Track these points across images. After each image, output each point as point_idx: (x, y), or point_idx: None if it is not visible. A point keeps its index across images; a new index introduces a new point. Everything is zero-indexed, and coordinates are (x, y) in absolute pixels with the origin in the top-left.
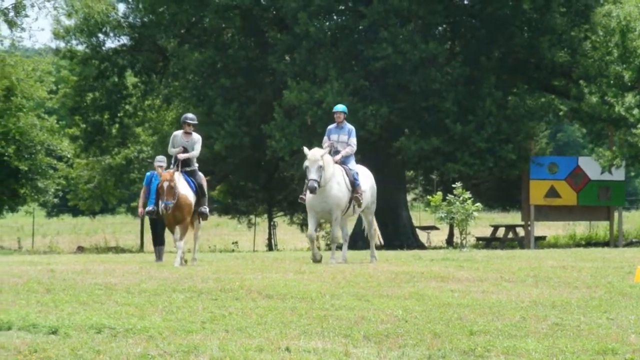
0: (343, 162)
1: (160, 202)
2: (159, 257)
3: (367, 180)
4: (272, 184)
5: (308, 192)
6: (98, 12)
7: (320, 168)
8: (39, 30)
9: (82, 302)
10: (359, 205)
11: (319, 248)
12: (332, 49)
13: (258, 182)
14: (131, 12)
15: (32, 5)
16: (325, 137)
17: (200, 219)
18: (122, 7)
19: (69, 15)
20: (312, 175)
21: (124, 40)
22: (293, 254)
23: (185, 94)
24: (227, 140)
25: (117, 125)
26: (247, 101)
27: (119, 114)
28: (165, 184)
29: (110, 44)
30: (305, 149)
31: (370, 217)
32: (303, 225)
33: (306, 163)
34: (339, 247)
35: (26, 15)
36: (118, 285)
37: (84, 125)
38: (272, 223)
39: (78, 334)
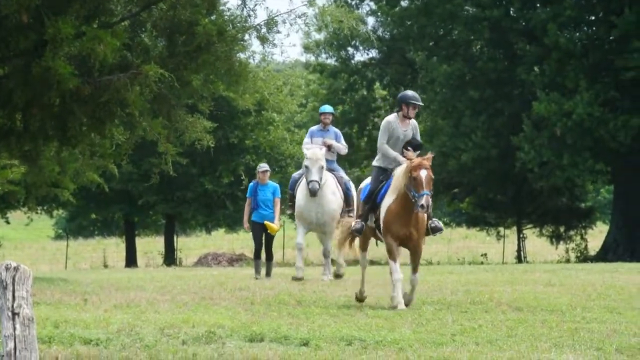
0: (333, 170)
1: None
2: (259, 271)
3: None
4: (521, 196)
5: (306, 195)
6: (348, 27)
7: (322, 169)
8: (291, 46)
9: (332, 315)
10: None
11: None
12: (582, 60)
13: (506, 194)
14: (380, 25)
15: (284, 22)
16: (307, 139)
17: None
18: (371, 21)
19: (319, 30)
20: (314, 175)
21: (373, 53)
22: (543, 266)
23: (433, 106)
24: (475, 151)
25: (365, 138)
26: (495, 113)
27: (367, 127)
28: (424, 173)
29: (359, 57)
30: (305, 148)
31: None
32: (553, 237)
33: (306, 162)
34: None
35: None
36: (368, 298)
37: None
38: (521, 235)
39: (329, 346)
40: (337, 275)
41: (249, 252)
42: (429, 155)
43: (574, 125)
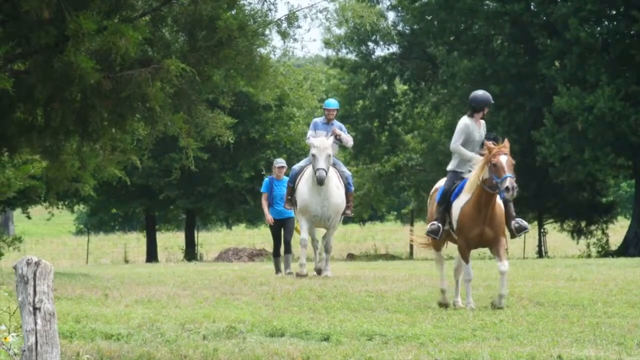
0: (334, 164)
1: (497, 180)
2: (279, 268)
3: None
4: (542, 191)
5: (311, 187)
6: (369, 22)
7: (329, 157)
8: (311, 41)
9: (353, 309)
10: (350, 214)
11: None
12: (603, 54)
13: (528, 188)
14: (400, 20)
15: (305, 16)
16: (311, 131)
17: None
18: (391, 16)
19: (340, 25)
20: (321, 163)
21: (394, 48)
22: (563, 261)
23: (454, 101)
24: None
25: (386, 133)
26: (516, 108)
27: (388, 122)
28: (504, 158)
29: (380, 52)
30: (311, 138)
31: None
32: (574, 232)
33: (313, 151)
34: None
35: (299, 26)
36: (388, 293)
37: (353, 133)
38: (542, 230)
39: (349, 341)
40: (300, 275)
41: (270, 247)
42: (506, 142)
43: (595, 119)
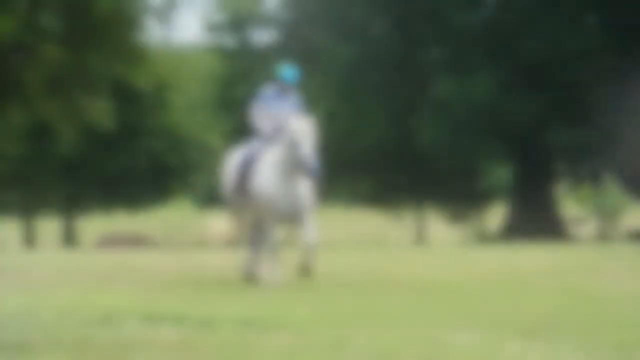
0: None
1: None
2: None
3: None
4: (421, 177)
5: (279, 176)
6: (248, 8)
7: (312, 145)
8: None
9: (233, 295)
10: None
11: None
12: (482, 42)
13: (406, 175)
14: (280, 7)
15: (183, 2)
16: (262, 104)
17: None
18: (271, 2)
19: (219, 11)
20: (308, 150)
21: (273, 34)
22: (442, 247)
23: (333, 89)
24: (375, 134)
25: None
26: (395, 95)
27: None
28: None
29: (260, 38)
30: (289, 120)
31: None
32: (452, 218)
33: (294, 136)
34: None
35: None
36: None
37: (233, 120)
38: (420, 216)
39: (229, 327)
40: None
41: (149, 234)
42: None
43: (473, 107)
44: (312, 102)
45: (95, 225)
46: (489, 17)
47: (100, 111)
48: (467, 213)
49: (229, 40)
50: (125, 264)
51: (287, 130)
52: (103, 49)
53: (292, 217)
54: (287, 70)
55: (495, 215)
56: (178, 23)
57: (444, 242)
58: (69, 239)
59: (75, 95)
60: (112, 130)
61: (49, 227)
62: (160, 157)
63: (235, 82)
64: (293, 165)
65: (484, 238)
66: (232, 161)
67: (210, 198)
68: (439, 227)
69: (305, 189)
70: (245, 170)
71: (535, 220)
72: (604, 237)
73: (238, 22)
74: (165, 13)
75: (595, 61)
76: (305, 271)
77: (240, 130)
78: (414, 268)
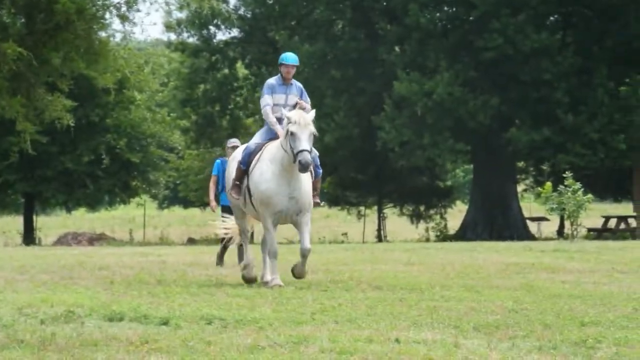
0: None
1: None
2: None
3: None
4: (382, 175)
5: (279, 172)
6: (209, 5)
7: (312, 136)
8: (151, 25)
9: (192, 294)
10: (319, 202)
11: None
12: (443, 40)
13: (368, 173)
14: (242, 4)
15: (144, 0)
16: (267, 96)
17: None
18: (232, 0)
19: (181, 9)
20: (304, 144)
21: (235, 32)
22: (402, 245)
23: None
24: (337, 132)
25: (227, 117)
26: (357, 93)
27: (229, 106)
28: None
29: (221, 36)
30: (286, 111)
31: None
32: (413, 216)
33: (291, 128)
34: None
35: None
36: (228, 277)
37: (195, 117)
38: (381, 214)
39: (189, 325)
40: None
41: (109, 232)
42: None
43: (435, 105)
44: None
45: (54, 222)
46: (449, 15)
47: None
48: (428, 211)
49: (189, 38)
50: (85, 261)
51: (284, 121)
52: (64, 46)
53: (292, 216)
54: (287, 54)
55: (455, 214)
56: (140, 20)
57: (403, 240)
58: (29, 236)
59: (35, 92)
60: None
61: (8, 224)
62: (120, 154)
63: (196, 80)
64: (290, 161)
65: (444, 236)
66: (234, 158)
67: (171, 195)
68: (399, 225)
69: (306, 186)
70: (245, 167)
71: (496, 219)
72: (563, 235)
73: (199, 20)
74: (127, 10)
75: (555, 59)
76: (300, 274)
77: (202, 127)
78: (374, 266)
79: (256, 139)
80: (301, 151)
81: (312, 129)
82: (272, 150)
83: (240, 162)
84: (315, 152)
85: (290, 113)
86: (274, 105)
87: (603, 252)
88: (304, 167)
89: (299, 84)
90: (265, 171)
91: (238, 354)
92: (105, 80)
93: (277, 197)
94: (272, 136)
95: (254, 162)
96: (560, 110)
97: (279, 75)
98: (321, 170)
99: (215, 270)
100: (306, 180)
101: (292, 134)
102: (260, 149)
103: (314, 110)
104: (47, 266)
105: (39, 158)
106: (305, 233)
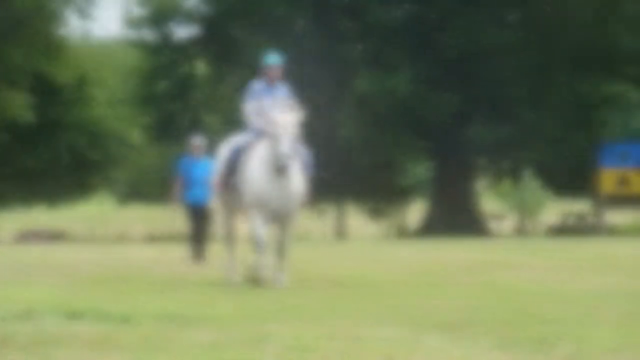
0: None
1: None
2: (198, 256)
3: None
4: (343, 172)
5: (269, 172)
6: (168, 2)
7: (294, 139)
8: (110, 21)
9: (154, 291)
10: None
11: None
12: (404, 38)
13: (328, 170)
14: (202, 1)
15: None
16: (250, 102)
17: None
18: None
19: (141, 5)
20: (285, 147)
21: (195, 29)
22: (364, 242)
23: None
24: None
25: (189, 115)
26: (318, 90)
27: (190, 103)
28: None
29: (181, 33)
30: (273, 114)
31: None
32: (374, 213)
33: (274, 130)
34: None
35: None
36: (191, 275)
37: (155, 115)
38: (341, 211)
39: (150, 322)
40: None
41: (70, 229)
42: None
43: (396, 102)
44: (233, 98)
45: (14, 220)
46: (410, 13)
47: (21, 105)
48: (388, 208)
49: (149, 35)
50: (45, 259)
51: (269, 123)
52: (23, 43)
53: (281, 216)
54: (271, 56)
55: (416, 211)
56: (99, 17)
57: (364, 238)
58: None
59: None
60: (32, 124)
61: None
62: (80, 151)
63: (156, 77)
64: (275, 161)
65: (404, 234)
66: (221, 154)
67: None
68: (360, 223)
69: (299, 187)
70: (234, 164)
71: (455, 216)
72: (523, 232)
73: (159, 17)
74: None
75: (516, 57)
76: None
77: (161, 124)
78: (334, 263)
79: (244, 136)
80: (283, 155)
81: (294, 130)
82: (262, 150)
83: (230, 159)
84: (306, 152)
85: (275, 115)
86: (263, 111)
87: (563, 249)
88: (279, 170)
89: (285, 86)
90: (258, 171)
91: (200, 351)
92: (65, 77)
93: (269, 197)
94: (261, 133)
95: (244, 160)
96: (520, 108)
97: (264, 78)
98: (311, 170)
99: (177, 268)
100: (298, 183)
101: (274, 135)
102: (250, 147)
103: (301, 112)
104: (7, 263)
105: None
106: (286, 234)
